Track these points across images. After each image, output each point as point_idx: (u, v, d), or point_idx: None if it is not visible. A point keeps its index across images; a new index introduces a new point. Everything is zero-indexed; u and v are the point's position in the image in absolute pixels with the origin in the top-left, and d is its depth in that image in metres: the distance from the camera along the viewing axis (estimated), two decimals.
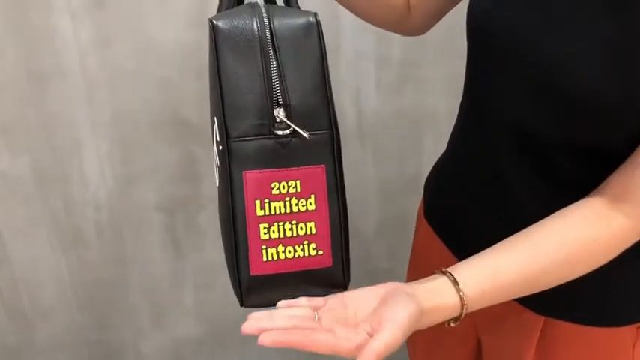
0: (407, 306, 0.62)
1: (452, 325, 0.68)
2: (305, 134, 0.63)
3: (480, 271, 0.68)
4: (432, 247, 0.94)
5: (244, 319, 0.63)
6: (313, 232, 0.65)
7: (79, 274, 1.56)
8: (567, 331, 0.81)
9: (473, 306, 0.67)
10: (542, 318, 0.82)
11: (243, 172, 0.64)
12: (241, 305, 0.68)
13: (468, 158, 0.86)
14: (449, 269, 0.68)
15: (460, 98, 0.90)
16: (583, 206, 0.69)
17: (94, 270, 1.56)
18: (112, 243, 1.54)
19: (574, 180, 0.74)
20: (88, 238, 1.52)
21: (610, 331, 0.80)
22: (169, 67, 1.37)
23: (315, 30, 0.65)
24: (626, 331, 0.80)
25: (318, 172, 0.65)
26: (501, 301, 0.70)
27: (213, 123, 0.69)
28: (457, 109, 0.92)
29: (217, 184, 0.70)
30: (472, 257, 0.69)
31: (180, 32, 1.34)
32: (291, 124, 0.63)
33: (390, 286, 0.65)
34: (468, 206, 0.86)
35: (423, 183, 1.01)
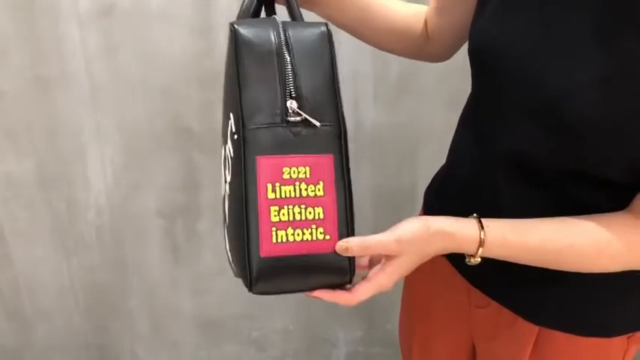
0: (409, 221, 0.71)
1: (471, 261, 0.74)
2: (316, 122, 0.68)
3: (506, 222, 0.74)
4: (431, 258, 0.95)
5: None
6: (321, 216, 0.69)
7: (79, 277, 1.58)
8: (561, 340, 0.83)
9: (490, 246, 0.72)
10: (537, 327, 0.83)
11: (257, 158, 0.68)
12: (250, 291, 0.70)
13: (467, 177, 0.87)
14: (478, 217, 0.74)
15: (455, 112, 0.91)
16: (619, 214, 0.73)
17: (94, 274, 1.58)
18: (113, 247, 1.55)
19: (570, 203, 0.76)
20: (89, 243, 1.54)
21: (602, 341, 0.82)
22: (173, 76, 1.39)
23: (326, 37, 0.71)
24: (618, 342, 0.83)
25: (327, 160, 0.69)
26: (516, 259, 0.74)
27: (228, 119, 0.73)
28: (452, 123, 0.94)
29: (229, 179, 0.74)
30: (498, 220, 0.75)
31: (184, 42, 1.36)
32: (302, 113, 0.68)
33: (403, 242, 0.72)
34: None
35: (418, 194, 1.02)
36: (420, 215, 1.02)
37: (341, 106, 0.71)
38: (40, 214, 1.48)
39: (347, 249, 0.68)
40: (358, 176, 1.54)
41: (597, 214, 0.73)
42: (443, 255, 0.92)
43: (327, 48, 0.71)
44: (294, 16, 0.79)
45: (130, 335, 1.69)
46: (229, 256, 0.76)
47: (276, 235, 0.68)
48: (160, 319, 1.68)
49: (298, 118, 0.68)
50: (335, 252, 0.69)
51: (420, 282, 0.99)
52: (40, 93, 1.35)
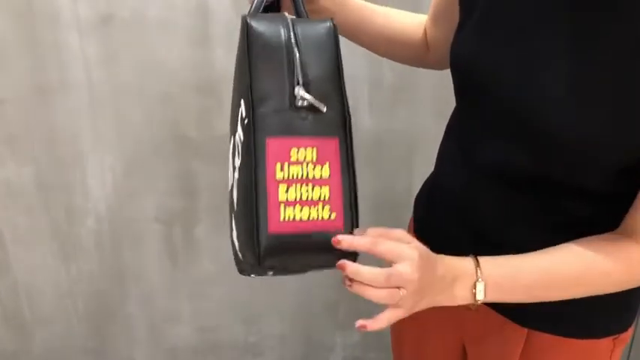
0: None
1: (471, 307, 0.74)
2: (321, 107, 0.71)
3: (500, 259, 0.75)
4: None
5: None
6: (327, 197, 0.72)
7: (77, 283, 1.59)
8: (549, 342, 0.84)
9: (489, 287, 0.73)
10: (526, 330, 0.85)
11: (266, 138, 0.71)
12: (259, 265, 0.72)
13: (452, 186, 0.89)
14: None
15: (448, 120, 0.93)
16: (601, 237, 0.75)
17: (92, 279, 1.59)
18: (111, 253, 1.56)
19: (551, 212, 0.78)
20: (87, 249, 1.55)
21: (589, 342, 0.84)
22: (171, 84, 1.40)
23: (332, 32, 0.74)
24: (604, 343, 0.85)
25: (332, 143, 0.72)
26: (513, 297, 0.76)
27: (237, 107, 0.77)
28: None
29: (237, 165, 0.77)
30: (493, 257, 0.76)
31: (183, 51, 1.38)
32: (309, 98, 0.71)
33: (420, 247, 0.72)
34: (454, 230, 0.89)
35: (412, 201, 1.04)
36: (409, 225, 1.04)
37: (345, 96, 0.74)
38: (39, 221, 1.49)
39: (364, 234, 0.71)
40: None
41: (586, 240, 0.74)
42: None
43: (333, 41, 0.74)
44: (300, 16, 0.83)
45: (128, 341, 1.69)
46: (235, 245, 0.78)
47: (285, 212, 0.70)
48: (157, 324, 1.69)
49: (305, 103, 0.71)
50: (341, 228, 0.71)
51: None
52: (40, 100, 1.37)
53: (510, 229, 0.81)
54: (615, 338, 0.85)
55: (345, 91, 0.74)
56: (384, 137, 1.53)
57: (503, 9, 0.74)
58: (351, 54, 1.37)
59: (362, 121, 1.50)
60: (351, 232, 0.72)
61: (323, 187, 0.71)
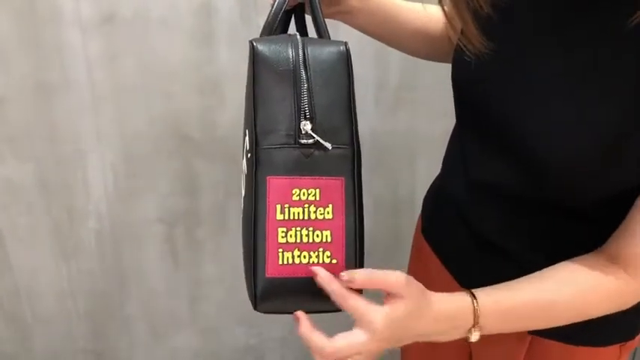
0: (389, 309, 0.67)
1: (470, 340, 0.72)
2: (327, 145, 0.68)
3: (497, 297, 0.72)
4: (430, 262, 0.96)
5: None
6: (329, 240, 0.69)
7: (78, 283, 1.58)
8: (553, 349, 0.83)
9: (484, 323, 0.70)
10: (529, 337, 0.84)
11: (267, 178, 0.68)
12: (255, 309, 0.70)
13: (456, 190, 0.88)
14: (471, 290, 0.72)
15: (454, 120, 0.92)
16: (585, 260, 0.73)
17: (93, 280, 1.58)
18: (112, 254, 1.56)
19: (544, 229, 0.77)
20: (88, 248, 1.54)
21: (594, 350, 0.83)
22: (173, 83, 1.40)
23: (344, 57, 0.70)
24: (610, 350, 0.83)
25: (337, 183, 0.70)
26: (510, 329, 0.74)
27: (245, 135, 0.74)
28: (450, 132, 0.95)
29: (243, 194, 0.74)
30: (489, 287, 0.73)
31: (185, 49, 1.37)
32: (314, 135, 0.68)
33: (412, 285, 0.68)
34: (459, 234, 0.89)
35: (415, 202, 1.03)
36: (418, 223, 1.03)
37: (356, 128, 0.71)
38: (39, 220, 1.48)
39: (351, 280, 0.66)
40: None
41: (565, 264, 0.73)
42: (440, 261, 0.93)
43: (346, 68, 0.70)
44: (319, 28, 0.80)
45: (129, 341, 1.69)
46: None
47: (283, 256, 0.68)
48: (158, 325, 1.68)
49: (310, 141, 0.68)
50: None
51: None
52: (42, 99, 1.36)
53: (513, 238, 0.81)
54: (622, 345, 0.83)
55: (355, 123, 0.70)
56: (387, 138, 1.52)
57: (502, 22, 0.73)
58: (355, 53, 1.38)
59: (366, 121, 1.49)
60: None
61: (325, 231, 0.69)
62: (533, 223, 0.78)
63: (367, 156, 1.49)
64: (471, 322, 0.70)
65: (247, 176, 0.70)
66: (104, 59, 1.35)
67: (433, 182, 1.01)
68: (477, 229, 0.84)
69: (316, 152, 0.68)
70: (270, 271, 0.68)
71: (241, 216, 0.76)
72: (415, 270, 1.05)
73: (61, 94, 1.36)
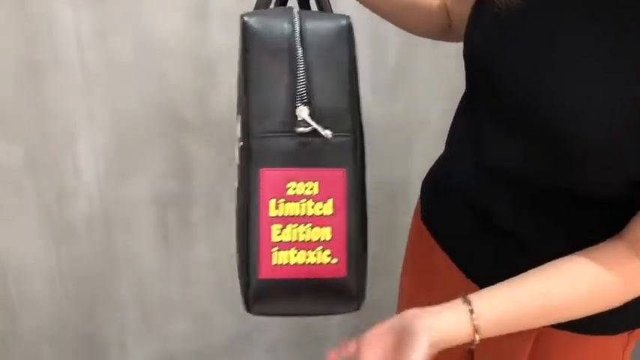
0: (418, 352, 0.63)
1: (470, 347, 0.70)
2: (326, 133, 0.62)
3: (495, 303, 0.69)
4: (429, 248, 0.94)
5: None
6: (328, 238, 0.63)
7: (68, 266, 1.56)
8: (561, 338, 0.82)
9: (485, 334, 0.68)
10: None
11: (260, 169, 0.62)
12: (248, 311, 0.65)
13: (462, 173, 0.85)
14: (469, 297, 0.68)
15: (451, 102, 0.90)
16: (597, 250, 0.70)
17: (83, 263, 1.56)
18: (103, 236, 1.54)
19: (557, 216, 0.75)
20: (78, 231, 1.52)
21: (603, 339, 0.81)
22: (167, 62, 1.37)
23: (345, 33, 0.63)
24: (619, 338, 0.82)
25: (338, 175, 0.63)
26: (514, 329, 0.72)
27: (237, 120, 0.69)
28: (449, 115, 0.93)
29: (236, 186, 0.69)
30: (490, 288, 0.70)
31: (180, 27, 1.34)
32: (311, 123, 0.62)
33: (405, 321, 0.65)
34: (463, 217, 0.86)
35: (411, 187, 1.01)
36: (416, 208, 1.01)
37: (359, 113, 0.65)
38: (28, 202, 1.46)
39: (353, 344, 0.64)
40: None
41: (586, 252, 0.70)
42: (444, 253, 0.91)
43: (346, 44, 0.64)
44: (321, 2, 0.72)
45: (119, 325, 1.67)
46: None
47: (277, 256, 0.63)
48: (149, 309, 1.66)
49: (308, 129, 0.62)
50: (343, 276, 0.63)
51: (422, 278, 0.98)
52: (31, 78, 1.33)
53: (519, 222, 0.78)
54: (630, 333, 0.82)
55: (359, 107, 0.64)
56: (383, 121, 1.50)
57: None
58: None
59: (363, 103, 1.47)
60: (355, 281, 0.64)
61: (324, 228, 0.63)
62: (544, 207, 0.75)
63: (365, 138, 1.48)
64: (470, 337, 0.68)
65: (240, 167, 0.65)
66: (96, 37, 1.32)
67: (433, 166, 0.99)
68: (484, 214, 0.82)
69: (314, 140, 0.63)
70: (264, 273, 0.63)
71: (235, 203, 0.71)
72: (414, 259, 1.03)
73: (51, 73, 1.34)
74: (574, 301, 0.69)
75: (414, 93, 1.48)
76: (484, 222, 0.82)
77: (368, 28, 1.34)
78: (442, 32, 0.96)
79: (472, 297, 0.69)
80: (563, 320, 0.73)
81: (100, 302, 1.63)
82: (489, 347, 0.90)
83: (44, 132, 1.39)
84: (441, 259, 0.91)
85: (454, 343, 0.67)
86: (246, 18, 0.63)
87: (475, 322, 0.66)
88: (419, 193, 1.01)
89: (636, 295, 0.72)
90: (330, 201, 0.63)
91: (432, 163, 1.00)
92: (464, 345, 0.69)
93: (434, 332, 0.65)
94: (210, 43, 1.36)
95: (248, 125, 0.62)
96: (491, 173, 0.78)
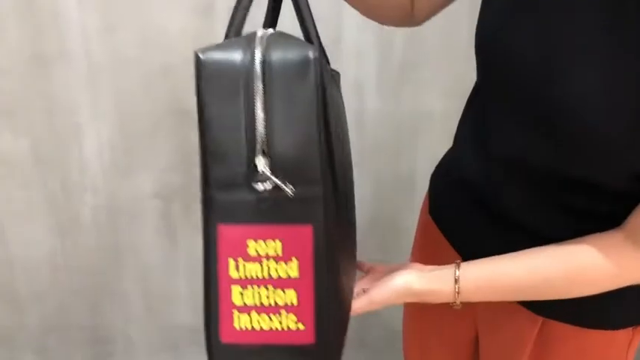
0: (396, 281, 0.74)
1: (453, 307, 0.77)
2: (288, 190, 0.55)
3: (480, 271, 0.75)
4: (437, 244, 0.94)
5: None
6: (294, 302, 0.57)
7: (73, 258, 1.57)
8: (564, 332, 0.82)
9: (467, 297, 0.75)
10: (541, 319, 0.83)
11: (218, 225, 0.56)
12: None
13: (470, 166, 0.85)
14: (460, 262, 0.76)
15: (456, 98, 0.90)
16: (593, 236, 0.72)
17: (88, 255, 1.57)
18: (108, 229, 1.54)
19: (571, 206, 0.75)
20: (84, 223, 1.52)
21: (607, 333, 0.81)
22: (173, 56, 1.37)
23: (311, 68, 0.53)
24: (623, 333, 0.82)
25: (304, 232, 0.56)
26: (496, 299, 0.77)
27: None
28: (454, 110, 0.93)
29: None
30: (480, 260, 0.76)
31: (185, 21, 1.34)
32: (271, 177, 0.54)
33: (401, 266, 0.77)
34: (472, 210, 0.86)
35: (416, 181, 1.01)
36: (424, 204, 1.00)
37: (328, 160, 0.56)
38: (35, 194, 1.47)
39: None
40: (359, 161, 1.52)
41: (585, 238, 0.72)
42: (452, 248, 0.90)
43: (312, 83, 0.53)
44: (303, 14, 0.63)
45: (124, 317, 1.68)
46: None
47: (239, 319, 0.58)
48: (154, 301, 1.67)
49: (268, 186, 0.55)
50: (311, 343, 0.58)
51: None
52: (37, 71, 1.33)
53: (530, 213, 0.78)
54: (634, 328, 0.82)
55: (328, 152, 0.55)
56: (389, 116, 1.50)
57: None
58: (358, 27, 1.35)
59: (368, 97, 1.47)
60: (326, 350, 0.58)
61: (288, 291, 0.57)
62: (554, 199, 0.76)
63: (369, 132, 1.48)
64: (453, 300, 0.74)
65: (202, 218, 0.58)
66: (102, 30, 1.32)
67: (441, 160, 0.98)
68: (493, 207, 0.82)
69: (276, 194, 0.55)
70: (226, 337, 0.59)
71: None
72: (422, 255, 1.03)
73: (57, 66, 1.34)
74: (558, 279, 0.72)
75: (419, 90, 1.48)
76: (493, 215, 0.82)
77: (374, 23, 1.33)
78: (403, 17, 0.92)
79: (463, 262, 0.76)
80: (548, 297, 0.75)
81: (105, 294, 1.64)
82: (493, 339, 0.91)
83: (50, 125, 1.40)
84: (449, 254, 0.91)
85: (437, 297, 0.75)
86: (199, 54, 0.55)
87: (459, 282, 0.74)
88: (425, 190, 1.00)
89: (629, 283, 0.72)
90: (295, 261, 0.56)
91: (438, 159, 1.00)
92: (449, 305, 0.76)
93: (416, 280, 0.74)
94: (215, 37, 1.35)
95: (206, 173, 0.56)
96: (501, 165, 0.78)
